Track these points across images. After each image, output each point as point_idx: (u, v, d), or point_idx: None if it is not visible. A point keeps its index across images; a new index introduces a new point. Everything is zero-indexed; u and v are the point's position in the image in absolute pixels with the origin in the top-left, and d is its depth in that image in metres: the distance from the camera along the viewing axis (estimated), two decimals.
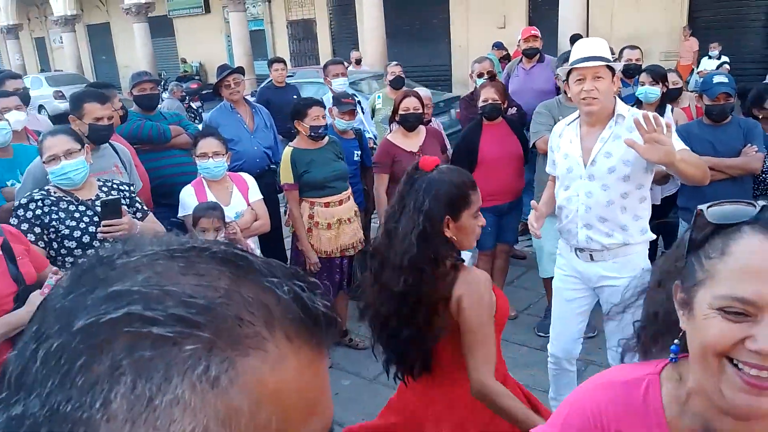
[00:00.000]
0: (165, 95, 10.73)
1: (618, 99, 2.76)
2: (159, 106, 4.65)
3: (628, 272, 2.70)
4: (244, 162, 4.43)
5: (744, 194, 3.66)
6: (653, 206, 4.15)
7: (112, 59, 25.99)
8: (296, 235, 3.87)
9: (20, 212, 2.59)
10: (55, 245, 2.62)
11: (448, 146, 4.64)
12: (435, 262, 1.79)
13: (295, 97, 6.39)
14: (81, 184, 2.71)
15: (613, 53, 5.81)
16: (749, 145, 3.57)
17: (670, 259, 1.02)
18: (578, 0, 11.26)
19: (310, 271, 3.90)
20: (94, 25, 26.10)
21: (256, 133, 4.69)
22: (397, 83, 5.54)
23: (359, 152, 4.45)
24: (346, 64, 6.14)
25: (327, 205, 3.79)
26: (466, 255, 4.52)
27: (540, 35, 5.69)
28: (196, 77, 20.15)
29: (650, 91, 4.12)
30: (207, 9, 22.11)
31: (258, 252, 3.84)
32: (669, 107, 4.25)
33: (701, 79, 5.36)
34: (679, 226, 4.02)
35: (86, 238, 2.64)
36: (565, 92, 3.43)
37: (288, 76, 7.05)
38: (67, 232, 2.61)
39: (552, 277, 3.16)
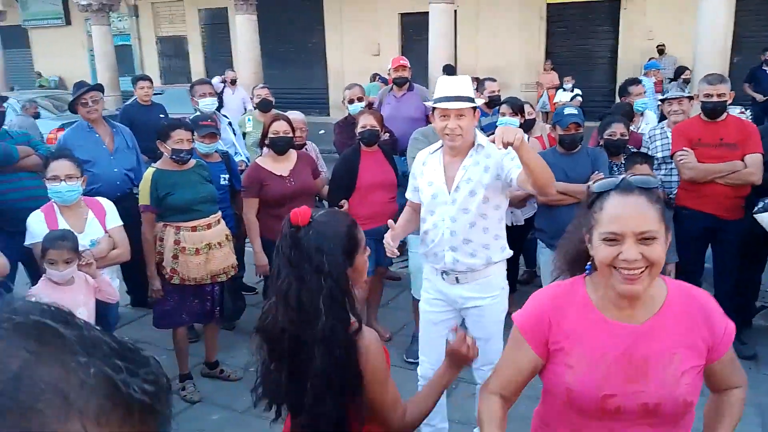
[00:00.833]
0: (6, 105, 9.82)
1: (477, 130, 2.92)
2: (7, 124, 4.25)
3: (489, 292, 2.90)
4: (101, 185, 4.16)
5: None
6: (516, 227, 4.44)
7: None
8: (147, 260, 3.66)
9: None
10: None
11: (323, 169, 4.65)
12: (347, 322, 1.65)
13: (161, 116, 6.13)
14: None
15: (477, 79, 6.18)
16: (597, 172, 3.91)
17: (579, 216, 1.64)
18: (446, 33, 11.83)
19: (152, 298, 3.72)
20: None
21: (116, 153, 4.44)
22: (264, 106, 5.49)
23: (227, 176, 4.32)
24: (215, 83, 5.98)
25: (194, 229, 3.63)
26: None
27: (409, 65, 5.90)
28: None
29: (510, 121, 4.40)
30: (68, 21, 20.71)
31: (117, 283, 3.60)
32: (525, 137, 4.54)
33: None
34: (537, 243, 4.29)
35: None
36: None
37: (156, 94, 6.74)
38: None
39: None
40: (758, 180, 3.87)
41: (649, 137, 4.53)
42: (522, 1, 14.40)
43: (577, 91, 12.46)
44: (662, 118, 5.17)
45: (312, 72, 17.28)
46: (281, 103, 7.74)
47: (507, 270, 4.58)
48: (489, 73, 12.69)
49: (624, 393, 1.49)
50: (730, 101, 4.04)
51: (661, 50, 12.76)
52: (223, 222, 3.83)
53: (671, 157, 4.16)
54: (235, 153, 5.05)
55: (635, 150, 4.34)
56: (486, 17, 14.68)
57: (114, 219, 3.44)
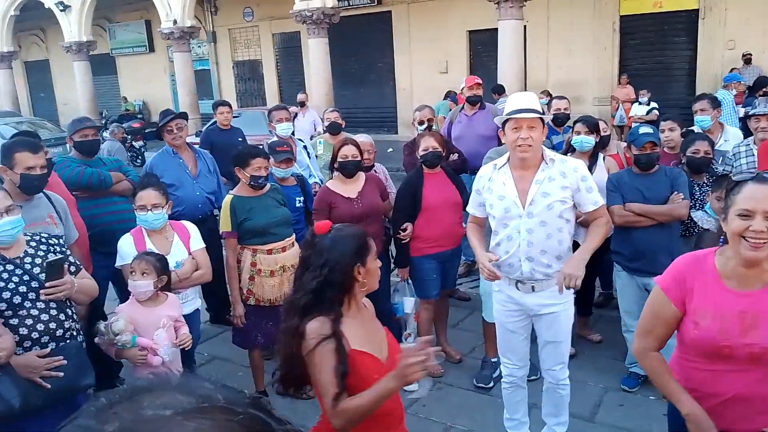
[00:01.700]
0: (106, 134, 10.48)
1: (543, 147, 3.00)
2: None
3: (562, 299, 3.03)
4: (184, 207, 4.37)
5: (671, 239, 3.85)
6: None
7: (50, 96, 25.35)
8: (230, 286, 3.84)
9: None
10: None
11: (391, 189, 4.70)
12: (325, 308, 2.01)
13: (240, 139, 6.39)
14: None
15: (549, 95, 6.04)
16: (676, 192, 3.78)
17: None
18: (516, 49, 11.74)
19: (229, 316, 3.93)
20: (32, 61, 25.47)
21: (198, 178, 4.65)
22: (333, 129, 5.61)
23: (301, 198, 4.45)
24: (291, 108, 6.18)
25: (270, 252, 3.76)
26: (409, 302, 4.51)
27: (482, 83, 5.91)
28: (139, 116, 19.83)
29: (585, 140, 4.32)
30: (151, 48, 21.94)
31: (198, 302, 3.77)
32: (601, 156, 4.45)
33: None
34: (614, 266, 4.18)
35: (17, 299, 2.50)
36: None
37: (234, 117, 7.04)
38: None
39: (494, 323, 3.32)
40: None
41: (733, 154, 4.32)
42: (594, 14, 14.11)
43: (653, 104, 12.07)
44: (746, 132, 4.92)
45: (381, 91, 17.52)
46: (351, 123, 7.88)
47: (582, 293, 4.53)
48: (561, 88, 12.55)
49: (737, 345, 1.96)
50: None
51: (747, 59, 12.14)
52: (297, 245, 3.94)
53: None
54: (310, 175, 5.19)
55: (725, 172, 4.15)
56: (557, 32, 14.46)
57: (197, 242, 3.61)
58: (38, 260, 2.62)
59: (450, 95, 11.83)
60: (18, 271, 2.55)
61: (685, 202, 3.77)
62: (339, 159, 4.09)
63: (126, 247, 3.43)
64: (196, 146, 5.25)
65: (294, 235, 3.95)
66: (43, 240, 2.73)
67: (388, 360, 2.08)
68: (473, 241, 3.14)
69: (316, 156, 5.61)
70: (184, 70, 16.73)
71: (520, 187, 2.93)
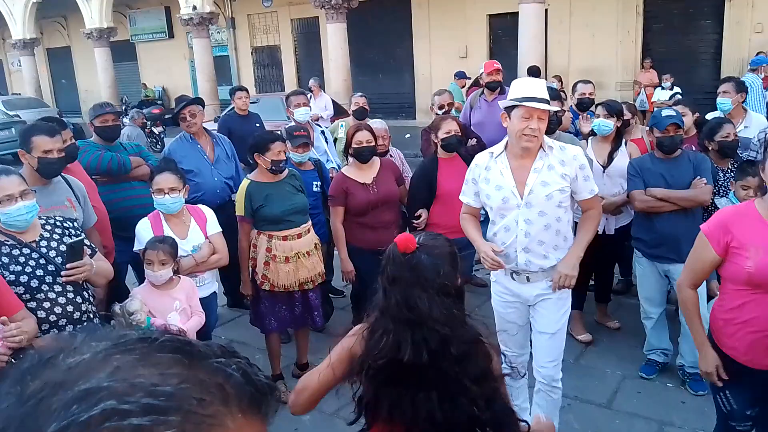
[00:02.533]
0: (126, 120, 10.55)
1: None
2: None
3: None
4: (203, 193, 4.39)
5: (694, 225, 3.74)
6: (608, 236, 4.27)
7: (72, 83, 25.58)
8: (241, 266, 3.87)
9: None
10: None
11: (408, 174, 4.67)
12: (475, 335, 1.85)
13: (257, 125, 6.39)
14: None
15: (559, 78, 5.84)
16: (699, 177, 3.69)
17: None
18: (537, 33, 11.57)
19: (246, 300, 3.96)
20: (54, 48, 25.71)
21: (216, 164, 4.66)
22: (360, 114, 5.58)
23: (319, 182, 4.44)
24: (308, 94, 6.16)
25: (285, 238, 3.75)
26: None
27: (501, 68, 5.82)
28: (159, 102, 19.96)
29: (604, 123, 4.24)
30: (171, 35, 22.00)
31: (215, 286, 3.79)
32: (624, 141, 4.37)
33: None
34: (633, 253, 4.12)
35: (34, 283, 2.53)
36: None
37: (252, 103, 7.03)
38: (12, 278, 2.48)
39: None
40: None
41: (758, 140, 4.22)
42: None
43: (676, 89, 11.84)
44: None
45: (400, 77, 17.39)
46: (370, 108, 7.83)
47: (601, 279, 4.43)
48: (582, 72, 12.33)
49: None
50: None
51: None
52: (312, 231, 3.94)
53: None
54: (327, 160, 5.18)
55: (750, 159, 4.05)
56: (579, 16, 14.21)
57: (214, 226, 3.62)
58: (54, 243, 2.65)
59: (458, 74, 11.54)
60: (35, 255, 2.57)
61: (708, 187, 3.68)
62: (354, 145, 4.07)
63: (144, 232, 3.45)
64: (214, 132, 5.26)
65: (310, 221, 3.94)
66: (58, 223, 2.75)
67: None
68: (471, 232, 3.07)
69: (335, 139, 5.60)
70: (204, 57, 16.79)
71: (518, 177, 2.85)
